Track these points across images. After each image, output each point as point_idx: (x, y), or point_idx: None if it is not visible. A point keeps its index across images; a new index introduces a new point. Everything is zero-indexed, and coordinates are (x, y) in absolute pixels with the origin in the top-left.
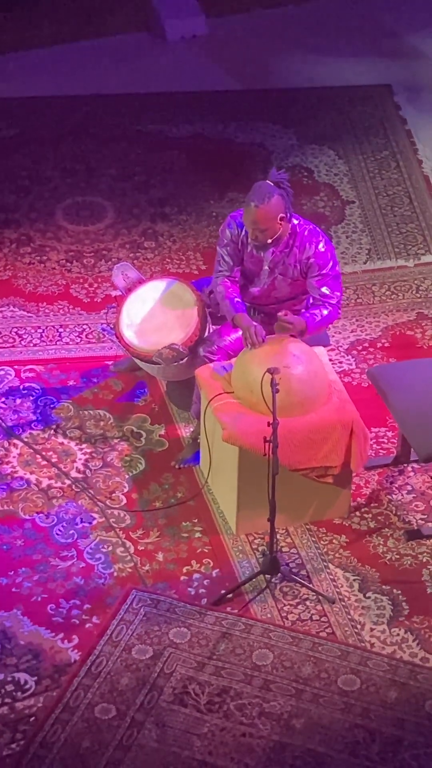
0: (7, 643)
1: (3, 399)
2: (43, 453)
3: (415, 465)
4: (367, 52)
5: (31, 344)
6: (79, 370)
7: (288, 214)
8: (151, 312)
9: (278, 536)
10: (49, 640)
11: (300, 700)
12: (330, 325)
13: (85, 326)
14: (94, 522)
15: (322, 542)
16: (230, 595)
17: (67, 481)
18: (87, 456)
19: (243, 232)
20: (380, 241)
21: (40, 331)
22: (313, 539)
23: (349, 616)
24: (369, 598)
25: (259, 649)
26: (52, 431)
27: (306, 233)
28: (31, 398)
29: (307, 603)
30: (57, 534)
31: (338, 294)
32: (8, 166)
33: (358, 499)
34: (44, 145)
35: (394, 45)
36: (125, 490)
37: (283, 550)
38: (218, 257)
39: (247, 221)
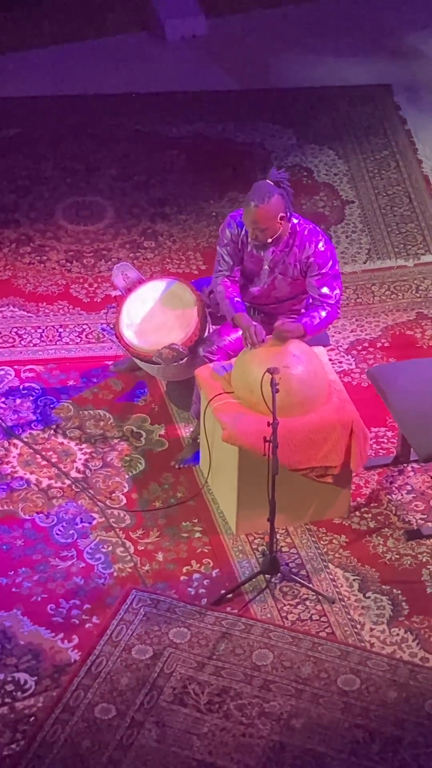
0: (7, 643)
1: (3, 399)
2: (43, 453)
3: (414, 465)
4: (366, 52)
5: (31, 344)
6: (79, 370)
7: (288, 214)
8: (150, 312)
9: (278, 536)
10: (49, 640)
11: (300, 700)
12: (330, 325)
13: (85, 326)
14: (94, 522)
15: (321, 542)
16: (230, 595)
17: (67, 481)
18: (87, 456)
19: (243, 232)
20: (380, 241)
21: (40, 331)
22: (313, 539)
23: (349, 616)
24: (369, 598)
25: (258, 649)
26: (52, 431)
27: (306, 233)
28: (31, 398)
29: (307, 603)
30: (57, 534)
31: (338, 294)
32: (8, 166)
33: (358, 499)
34: (44, 145)
35: (394, 45)
36: (125, 490)
37: (283, 550)
38: (218, 257)
39: (247, 221)
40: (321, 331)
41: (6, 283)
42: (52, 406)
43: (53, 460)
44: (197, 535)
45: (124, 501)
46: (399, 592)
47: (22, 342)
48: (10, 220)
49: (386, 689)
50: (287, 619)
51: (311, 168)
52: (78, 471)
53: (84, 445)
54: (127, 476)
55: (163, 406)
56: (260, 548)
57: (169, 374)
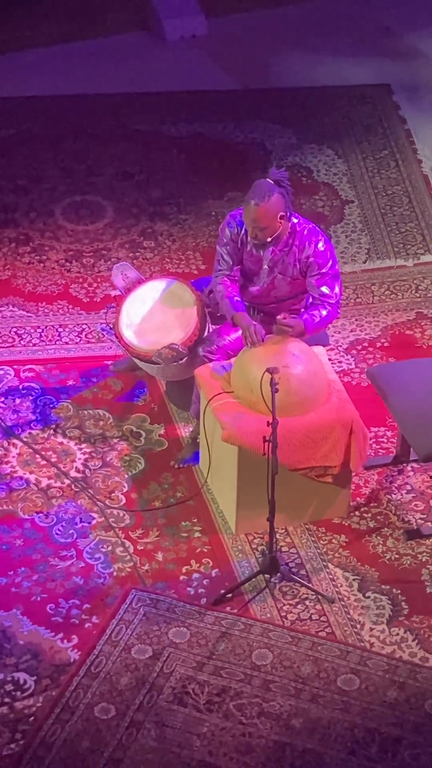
0: (7, 642)
1: (2, 399)
2: (43, 453)
3: (414, 464)
4: (366, 51)
5: (31, 344)
6: (79, 370)
7: (288, 213)
8: (150, 312)
9: (278, 536)
10: (48, 639)
11: (299, 699)
12: (329, 325)
13: (84, 326)
14: (94, 522)
15: (321, 542)
16: (230, 595)
17: (67, 481)
18: (86, 456)
19: (243, 231)
20: (379, 241)
21: (40, 330)
22: (313, 539)
23: (349, 616)
24: (368, 597)
25: (258, 648)
26: (51, 431)
27: (305, 232)
28: (31, 398)
29: (307, 603)
30: (56, 534)
31: (337, 293)
32: (7, 166)
33: (358, 498)
34: (43, 145)
35: (394, 45)
36: (125, 490)
37: (283, 549)
38: (218, 256)
39: (246, 219)
40: (321, 329)
41: (5, 282)
42: (51, 405)
43: (53, 460)
44: (197, 534)
45: (124, 501)
46: (399, 591)
47: (22, 342)
48: (9, 219)
49: (386, 689)
50: (287, 618)
51: (311, 168)
52: (77, 471)
53: (83, 445)
54: (126, 476)
55: (163, 406)
56: (260, 548)
57: (169, 374)
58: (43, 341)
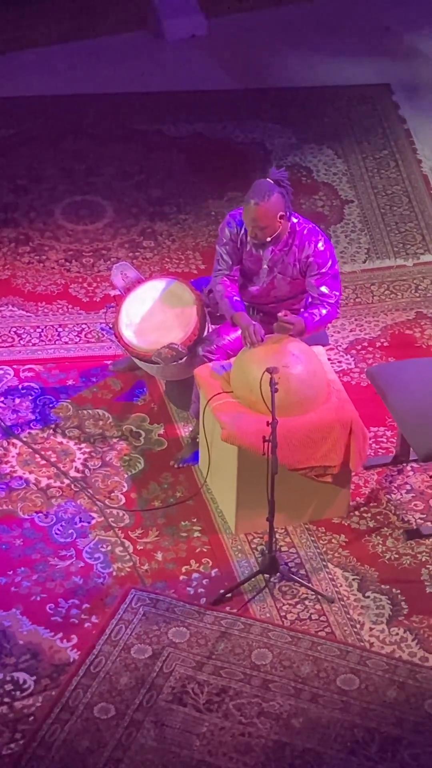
0: (6, 642)
1: (2, 398)
2: (42, 452)
3: (414, 464)
4: (366, 51)
5: (30, 344)
6: (78, 370)
7: (287, 213)
8: (150, 311)
9: (277, 536)
10: (48, 639)
11: (299, 699)
12: (329, 325)
13: (84, 326)
14: (93, 521)
15: (321, 542)
16: (229, 595)
17: (66, 481)
18: (86, 455)
19: (242, 231)
20: (379, 241)
21: (39, 330)
22: (312, 539)
23: (348, 616)
24: (368, 597)
25: (258, 648)
26: (51, 431)
27: (305, 232)
28: (30, 398)
29: (306, 602)
30: (56, 533)
31: (337, 293)
32: (7, 166)
33: (357, 498)
34: (43, 145)
35: (393, 44)
36: (124, 490)
37: (282, 549)
38: (217, 256)
39: (246, 219)
40: (320, 328)
41: (5, 282)
42: (51, 405)
43: (52, 460)
44: (196, 534)
45: (123, 500)
46: (398, 591)
47: (21, 341)
48: (9, 219)
49: (385, 689)
50: (286, 618)
51: (310, 167)
52: (77, 470)
53: (83, 445)
54: (126, 476)
55: (162, 406)
56: (259, 548)
57: (168, 374)
58: (42, 341)
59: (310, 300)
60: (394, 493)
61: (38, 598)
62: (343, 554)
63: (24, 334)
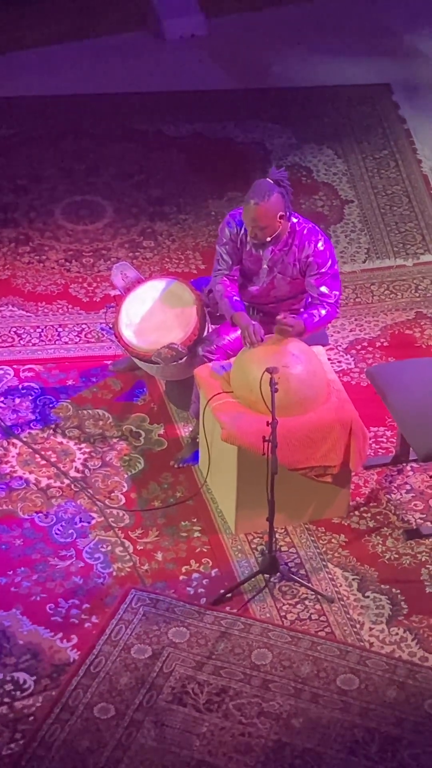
0: (6, 642)
1: (2, 398)
2: (42, 452)
3: (414, 464)
4: (366, 51)
5: (30, 344)
6: (78, 370)
7: (287, 213)
8: (150, 311)
9: (277, 536)
10: (48, 639)
11: (299, 699)
12: (329, 325)
13: (84, 326)
14: (93, 521)
15: (321, 541)
16: (229, 595)
17: (66, 481)
18: (86, 455)
19: (242, 231)
20: (379, 241)
21: (39, 330)
22: (312, 538)
23: (348, 616)
24: (368, 597)
25: (258, 648)
26: (51, 431)
27: (305, 232)
28: (30, 398)
29: (306, 602)
30: (56, 533)
31: (337, 293)
32: (7, 166)
33: (357, 498)
34: (43, 145)
35: (393, 44)
36: (124, 490)
37: (282, 549)
38: (217, 256)
39: (246, 219)
40: (320, 329)
41: (5, 282)
42: (51, 405)
43: (52, 460)
44: (196, 534)
45: (123, 500)
46: (398, 591)
47: (21, 341)
48: (9, 219)
49: (385, 688)
50: (286, 618)
51: (310, 167)
52: (77, 470)
53: (83, 445)
54: (126, 476)
55: (162, 406)
56: (259, 548)
57: (168, 374)
58: (42, 341)
59: (309, 300)
60: (394, 493)
61: (38, 598)
62: (342, 554)
63: (24, 334)
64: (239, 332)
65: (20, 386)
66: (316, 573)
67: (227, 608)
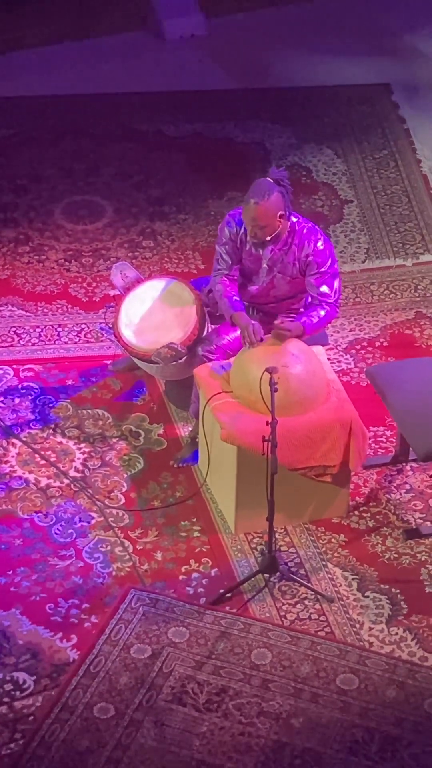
0: (6, 642)
1: (2, 398)
2: (42, 452)
3: (413, 464)
4: (365, 51)
5: (30, 343)
6: (78, 370)
7: (287, 212)
8: (149, 311)
9: (277, 535)
10: (47, 639)
11: (299, 699)
12: (328, 324)
13: (83, 325)
14: (93, 521)
15: (320, 541)
16: (229, 595)
17: (66, 481)
18: (85, 455)
19: (242, 231)
20: (378, 241)
21: (39, 330)
22: (312, 538)
23: (348, 615)
24: (368, 597)
25: (257, 648)
26: (50, 430)
27: (305, 231)
28: (30, 397)
29: (306, 602)
30: (55, 533)
31: (336, 293)
32: (7, 166)
33: (357, 498)
34: (43, 145)
35: (393, 44)
36: (124, 490)
37: (282, 549)
38: (217, 256)
39: (246, 218)
40: (320, 330)
41: (5, 282)
42: (50, 405)
43: (52, 460)
44: (196, 534)
45: (123, 500)
46: (398, 591)
47: (21, 341)
48: (8, 219)
49: (385, 688)
50: (286, 618)
51: (310, 167)
52: (77, 470)
53: (83, 445)
54: (125, 475)
55: (162, 406)
56: (259, 547)
57: (168, 373)
58: (42, 341)
59: (309, 299)
60: (394, 493)
61: (38, 598)
62: (342, 554)
63: (23, 334)
64: (239, 332)
65: (20, 386)
66: (316, 573)
67: (227, 608)
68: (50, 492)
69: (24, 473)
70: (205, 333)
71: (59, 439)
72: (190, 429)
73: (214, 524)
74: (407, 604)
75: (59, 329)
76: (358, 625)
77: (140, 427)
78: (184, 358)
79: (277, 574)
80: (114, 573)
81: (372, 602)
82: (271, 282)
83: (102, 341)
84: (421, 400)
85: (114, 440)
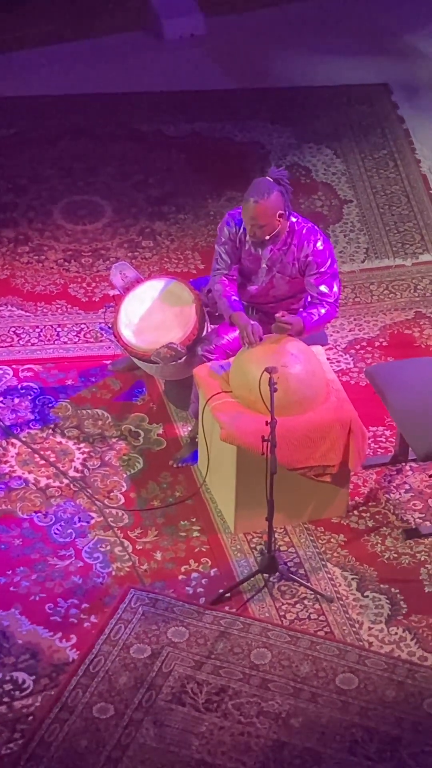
0: (6, 642)
1: (1, 398)
2: (42, 452)
3: (413, 464)
4: (365, 51)
5: (29, 344)
6: (78, 370)
7: (286, 212)
8: (149, 311)
9: (276, 535)
10: (47, 639)
11: (298, 699)
12: (328, 324)
13: (83, 325)
14: (92, 521)
15: (320, 541)
16: (228, 594)
17: (66, 481)
18: (85, 455)
19: (241, 230)
20: (378, 240)
21: (38, 330)
22: (311, 538)
23: (347, 615)
24: (367, 597)
25: (257, 648)
26: (50, 430)
27: (304, 231)
28: (30, 397)
29: (305, 602)
30: (55, 533)
31: (336, 292)
32: (6, 166)
33: (356, 498)
34: (42, 145)
35: (392, 44)
36: (123, 490)
37: (281, 549)
38: (216, 255)
39: (245, 217)
40: (319, 328)
41: (4, 282)
42: (50, 405)
43: (51, 460)
44: (195, 534)
45: (123, 500)
46: (397, 591)
47: (21, 341)
48: (8, 219)
49: (384, 688)
50: (285, 618)
51: (309, 167)
52: (76, 470)
53: (82, 445)
54: (125, 475)
55: (162, 406)
56: (258, 547)
57: (167, 373)
58: (41, 341)
59: (309, 299)
60: (393, 493)
61: (37, 598)
62: (342, 554)
63: (23, 334)
64: (238, 332)
65: (19, 386)
66: (315, 572)
67: (226, 608)
68: (50, 492)
69: (23, 473)
70: (204, 333)
71: (59, 439)
72: (190, 429)
73: (214, 524)
74: (407, 604)
75: (59, 329)
76: (357, 625)
77: (140, 427)
78: (184, 358)
79: (277, 574)
80: (113, 573)
81: (371, 602)
82: (271, 282)
83: (101, 341)
84: (421, 400)
85: (113, 440)
